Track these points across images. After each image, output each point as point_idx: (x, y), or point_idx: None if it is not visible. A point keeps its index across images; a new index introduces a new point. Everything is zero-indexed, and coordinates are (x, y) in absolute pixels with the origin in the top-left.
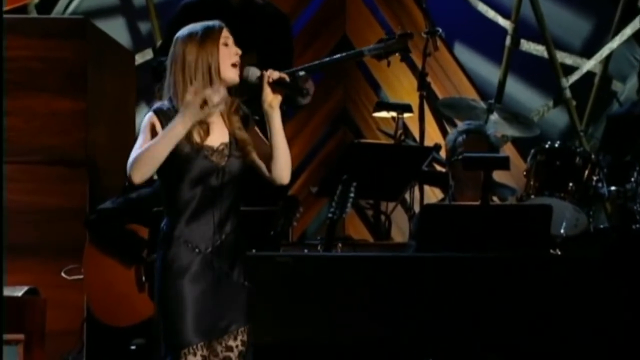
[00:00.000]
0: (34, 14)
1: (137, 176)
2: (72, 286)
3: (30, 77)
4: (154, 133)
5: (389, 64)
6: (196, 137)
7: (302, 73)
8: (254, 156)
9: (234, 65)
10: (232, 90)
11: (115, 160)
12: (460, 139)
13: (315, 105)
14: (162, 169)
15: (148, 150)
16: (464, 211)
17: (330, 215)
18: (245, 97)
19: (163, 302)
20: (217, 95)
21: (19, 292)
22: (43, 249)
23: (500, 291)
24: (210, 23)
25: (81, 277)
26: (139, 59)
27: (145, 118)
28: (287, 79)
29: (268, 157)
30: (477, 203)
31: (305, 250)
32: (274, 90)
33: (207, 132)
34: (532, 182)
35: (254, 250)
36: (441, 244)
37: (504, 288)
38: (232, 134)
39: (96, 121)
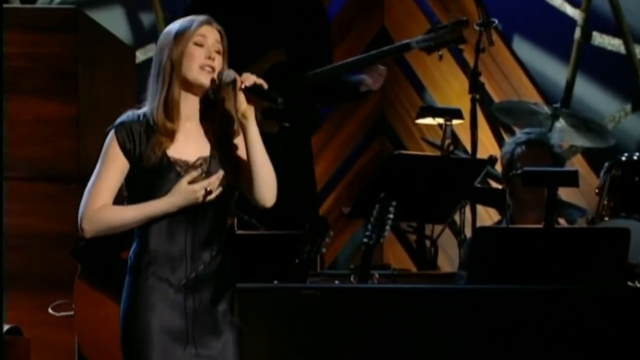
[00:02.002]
0: (16, 4)
1: (90, 233)
2: (60, 324)
3: (12, 77)
4: (113, 160)
5: (440, 57)
6: (166, 149)
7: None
8: (239, 173)
9: (202, 67)
10: (210, 94)
11: None
12: (519, 150)
13: (348, 111)
14: (129, 189)
15: (115, 218)
16: (524, 235)
17: (365, 240)
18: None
19: (127, 341)
20: (217, 180)
21: None
22: (26, 281)
23: (568, 331)
24: (195, 17)
25: (71, 313)
26: (141, 56)
27: (107, 137)
28: (265, 85)
29: (248, 175)
30: (540, 226)
31: (336, 282)
32: (249, 99)
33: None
34: (605, 202)
35: (275, 282)
36: (497, 275)
37: (572, 327)
38: (213, 147)
39: (90, 129)
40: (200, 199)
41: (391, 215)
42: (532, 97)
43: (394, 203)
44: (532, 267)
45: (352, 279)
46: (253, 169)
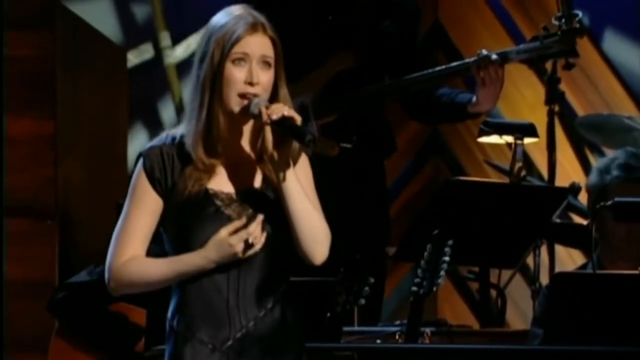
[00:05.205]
0: None
1: (116, 292)
2: None
3: None
4: (142, 196)
5: (553, 71)
6: (205, 181)
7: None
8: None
9: (241, 96)
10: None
11: (97, 207)
12: (609, 176)
13: (393, 126)
14: (165, 228)
15: (139, 275)
16: (614, 283)
17: (415, 288)
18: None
19: None
20: (258, 226)
21: None
22: None
23: None
24: (239, 17)
25: None
26: (133, 58)
27: (136, 168)
28: (298, 120)
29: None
30: (636, 272)
31: (378, 341)
32: (277, 136)
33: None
34: None
35: None
36: (580, 333)
37: None
38: (267, 177)
39: (70, 151)
40: (240, 254)
41: (447, 258)
42: (626, 108)
43: (450, 242)
44: (625, 323)
45: (397, 338)
46: (292, 223)
